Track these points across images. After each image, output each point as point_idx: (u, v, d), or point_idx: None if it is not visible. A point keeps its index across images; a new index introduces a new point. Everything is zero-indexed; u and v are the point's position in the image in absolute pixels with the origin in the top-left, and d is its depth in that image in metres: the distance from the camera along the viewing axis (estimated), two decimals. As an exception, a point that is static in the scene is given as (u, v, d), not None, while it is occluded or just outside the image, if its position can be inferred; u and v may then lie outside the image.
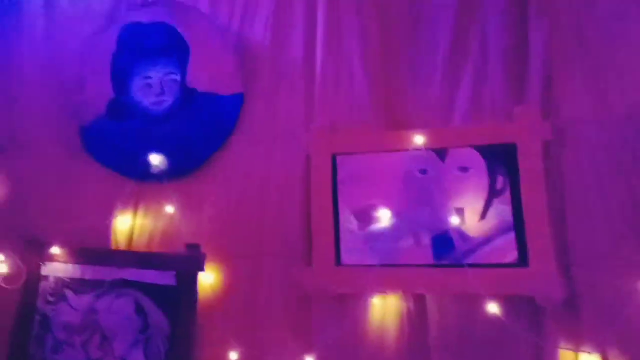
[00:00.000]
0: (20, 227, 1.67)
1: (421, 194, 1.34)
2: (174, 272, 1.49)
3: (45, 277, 1.64)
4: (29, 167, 1.71)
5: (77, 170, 1.68)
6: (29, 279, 1.63)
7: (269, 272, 1.46)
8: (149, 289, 1.49)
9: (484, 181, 1.29)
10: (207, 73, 1.62)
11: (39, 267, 1.64)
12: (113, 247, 1.61)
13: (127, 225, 1.61)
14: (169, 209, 1.56)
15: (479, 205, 1.28)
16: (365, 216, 1.37)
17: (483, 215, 1.27)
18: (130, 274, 1.54)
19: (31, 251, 1.64)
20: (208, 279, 1.49)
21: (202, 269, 1.47)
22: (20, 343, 1.57)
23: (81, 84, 1.75)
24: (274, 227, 1.48)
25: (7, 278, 1.62)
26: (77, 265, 1.60)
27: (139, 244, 1.60)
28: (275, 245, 1.47)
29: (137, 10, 1.79)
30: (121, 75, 1.71)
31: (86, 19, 1.86)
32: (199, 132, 1.60)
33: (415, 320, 1.34)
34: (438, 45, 1.44)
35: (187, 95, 1.63)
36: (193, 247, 1.49)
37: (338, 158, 1.43)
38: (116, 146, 1.66)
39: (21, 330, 1.59)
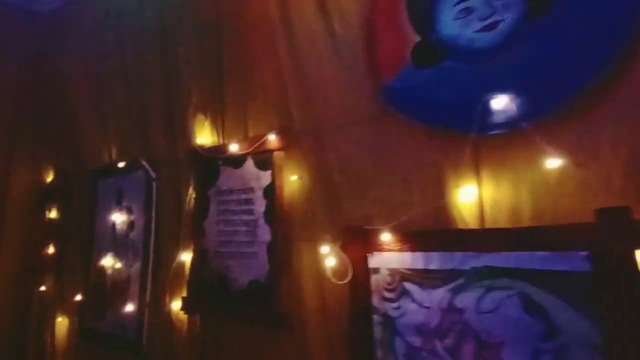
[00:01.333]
0: (337, 214, 1.48)
1: None
2: (586, 253, 1.01)
3: (375, 270, 1.39)
4: (339, 149, 1.49)
5: (391, 138, 1.38)
6: (356, 273, 1.42)
7: None
8: (543, 279, 1.05)
9: None
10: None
11: (365, 259, 1.41)
12: (460, 226, 1.24)
13: (473, 196, 1.23)
14: (550, 162, 1.09)
15: None
16: None
17: None
18: (502, 259, 1.13)
19: (353, 241, 1.42)
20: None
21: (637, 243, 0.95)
22: (364, 347, 1.35)
23: (375, 40, 1.45)
24: None
25: (335, 272, 1.44)
26: (415, 254, 1.29)
27: (497, 219, 1.18)
28: None
29: None
30: (421, 11, 1.34)
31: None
32: (568, 49, 1.07)
33: None
34: None
35: (536, 3, 1.13)
36: (613, 213, 0.98)
37: None
38: (437, 98, 1.28)
39: (361, 332, 1.36)
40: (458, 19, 1.26)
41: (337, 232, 1.44)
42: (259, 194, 1.72)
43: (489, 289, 1.13)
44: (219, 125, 1.95)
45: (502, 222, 1.17)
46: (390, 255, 1.33)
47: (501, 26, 1.19)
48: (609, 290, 0.96)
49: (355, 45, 1.49)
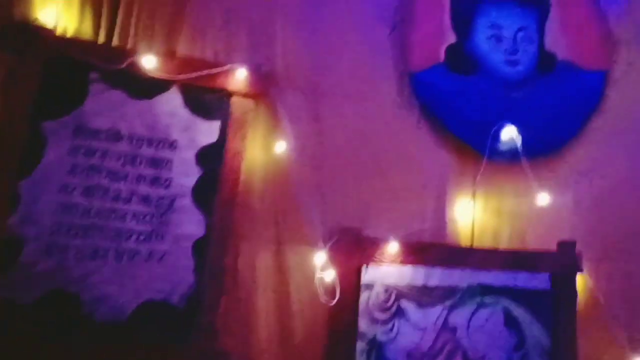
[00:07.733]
0: (324, 212, 1.08)
1: None
2: (549, 275, 1.17)
3: (369, 286, 1.08)
4: (340, 123, 1.15)
5: (407, 130, 1.19)
6: (344, 290, 0.99)
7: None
8: (520, 295, 1.15)
9: None
10: (569, 39, 1.33)
11: (358, 272, 1.03)
12: (452, 242, 1.18)
13: (467, 214, 1.18)
14: (539, 198, 1.17)
15: None
16: None
17: None
18: (495, 277, 1.15)
19: (347, 249, 1.06)
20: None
21: (579, 270, 1.16)
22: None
23: (413, 18, 1.26)
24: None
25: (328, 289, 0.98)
26: (417, 268, 1.11)
27: (483, 240, 1.18)
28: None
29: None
30: (463, 15, 1.29)
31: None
32: (559, 108, 1.28)
33: None
34: None
35: (545, 61, 1.31)
36: (568, 246, 1.17)
37: None
38: (460, 106, 1.24)
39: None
40: (489, 41, 1.27)
41: (318, 234, 1.03)
42: (188, 155, 1.08)
43: (480, 306, 1.13)
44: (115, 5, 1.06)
45: (487, 243, 1.19)
46: (388, 269, 1.10)
47: (520, 67, 1.28)
48: (560, 304, 1.14)
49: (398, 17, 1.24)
